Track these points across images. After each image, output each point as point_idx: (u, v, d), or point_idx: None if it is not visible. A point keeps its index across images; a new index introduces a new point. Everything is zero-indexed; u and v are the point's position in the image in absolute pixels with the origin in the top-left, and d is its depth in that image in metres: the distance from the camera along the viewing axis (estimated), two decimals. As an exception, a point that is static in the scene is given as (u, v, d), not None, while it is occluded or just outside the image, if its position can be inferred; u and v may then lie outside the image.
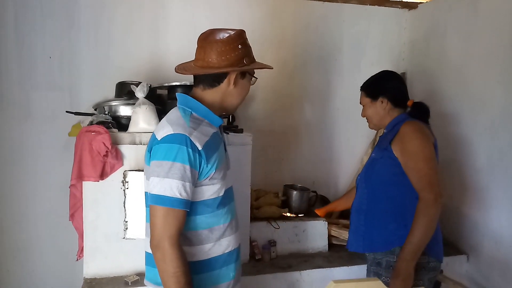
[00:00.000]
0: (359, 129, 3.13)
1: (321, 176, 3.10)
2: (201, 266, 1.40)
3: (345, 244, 2.60)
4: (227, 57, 1.37)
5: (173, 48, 2.66)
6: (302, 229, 2.53)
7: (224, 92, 1.43)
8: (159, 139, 1.33)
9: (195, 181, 1.33)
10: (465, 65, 2.59)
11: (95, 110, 2.32)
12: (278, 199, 2.64)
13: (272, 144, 2.96)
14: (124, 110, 2.20)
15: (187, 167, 1.29)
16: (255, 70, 1.47)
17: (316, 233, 2.57)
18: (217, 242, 1.42)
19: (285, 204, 2.67)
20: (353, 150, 3.15)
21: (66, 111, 2.29)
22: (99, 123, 2.05)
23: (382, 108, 1.91)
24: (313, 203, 2.85)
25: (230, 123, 2.49)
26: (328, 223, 2.60)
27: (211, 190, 1.38)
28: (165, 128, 1.34)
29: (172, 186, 1.28)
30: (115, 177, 2.03)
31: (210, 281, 1.43)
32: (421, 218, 1.68)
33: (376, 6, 3.06)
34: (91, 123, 2.08)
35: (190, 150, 1.29)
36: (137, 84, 2.11)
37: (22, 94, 2.46)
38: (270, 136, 2.93)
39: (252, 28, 2.82)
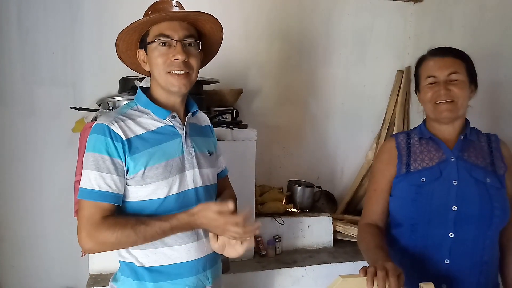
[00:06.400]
0: (364, 124, 3.12)
1: (326, 172, 3.08)
2: (137, 272, 1.26)
3: (350, 239, 2.61)
4: None
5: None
6: (307, 224, 2.52)
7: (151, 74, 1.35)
8: None
9: (122, 172, 1.20)
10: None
11: (99, 105, 2.31)
12: (283, 195, 2.63)
13: (277, 139, 2.94)
14: (128, 106, 2.19)
15: (106, 157, 1.18)
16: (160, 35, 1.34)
17: (321, 228, 2.56)
18: (157, 250, 1.25)
19: (290, 199, 2.66)
20: (358, 145, 3.13)
21: (70, 107, 2.29)
22: (103, 118, 2.04)
23: (467, 99, 1.40)
24: (317, 199, 2.84)
25: (234, 118, 2.48)
26: (333, 219, 2.59)
27: (144, 191, 1.22)
28: None
29: (90, 178, 1.19)
30: (119, 172, 2.01)
31: None
32: None
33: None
34: (94, 119, 2.07)
35: (109, 139, 1.18)
36: (141, 79, 2.10)
37: (25, 90, 2.45)
38: (275, 131, 2.91)
39: (256, 21, 2.82)
